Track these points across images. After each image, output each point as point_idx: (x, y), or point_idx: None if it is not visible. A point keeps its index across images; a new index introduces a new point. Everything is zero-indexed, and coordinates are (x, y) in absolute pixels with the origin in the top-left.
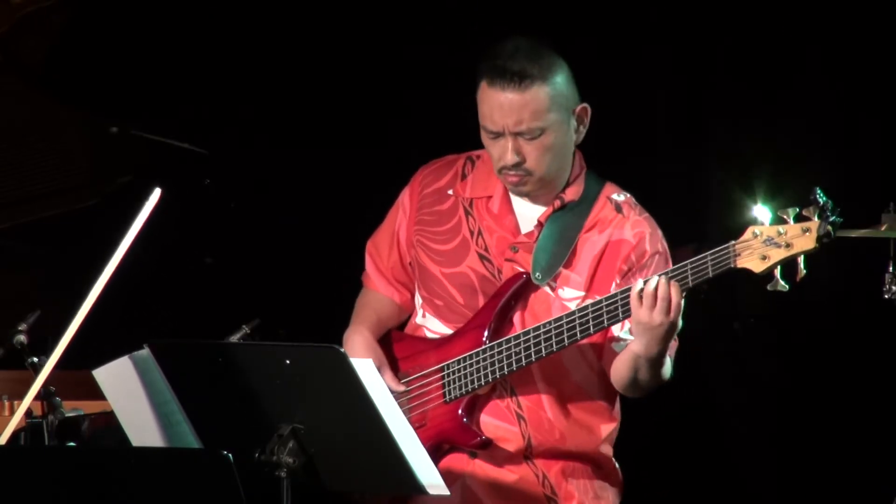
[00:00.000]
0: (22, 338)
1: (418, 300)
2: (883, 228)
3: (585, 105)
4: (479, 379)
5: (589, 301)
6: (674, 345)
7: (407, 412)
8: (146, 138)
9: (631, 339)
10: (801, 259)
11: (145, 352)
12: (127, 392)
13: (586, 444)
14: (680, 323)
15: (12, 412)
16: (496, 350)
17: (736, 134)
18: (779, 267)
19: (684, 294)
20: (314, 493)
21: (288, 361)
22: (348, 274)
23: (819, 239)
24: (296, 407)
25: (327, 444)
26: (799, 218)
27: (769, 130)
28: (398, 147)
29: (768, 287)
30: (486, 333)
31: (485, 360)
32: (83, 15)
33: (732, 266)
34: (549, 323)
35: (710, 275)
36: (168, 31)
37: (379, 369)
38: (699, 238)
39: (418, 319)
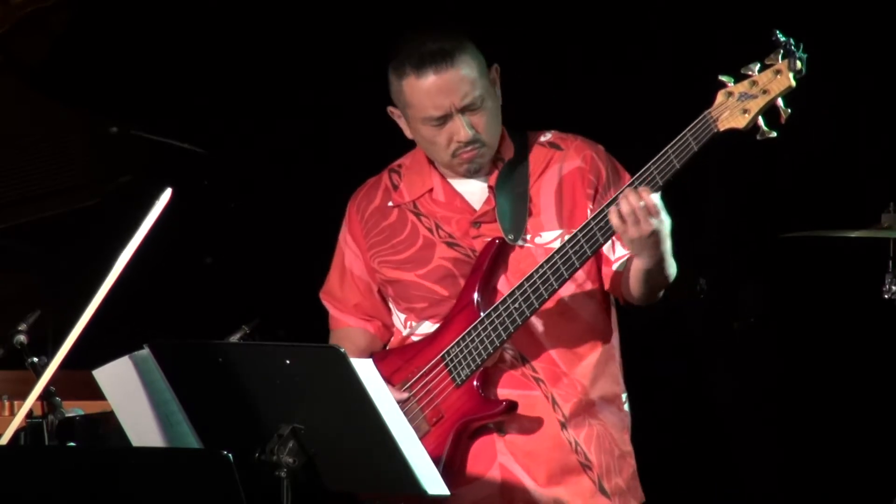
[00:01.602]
0: (22, 338)
1: (400, 318)
2: (883, 228)
3: (496, 65)
4: (484, 350)
5: (566, 236)
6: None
7: (419, 413)
8: (146, 138)
9: (627, 253)
10: (780, 101)
11: (145, 352)
12: (127, 392)
13: (607, 387)
14: (667, 220)
15: (12, 412)
16: (493, 317)
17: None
18: (761, 117)
19: (670, 179)
20: (315, 493)
21: (288, 361)
22: None
23: (793, 74)
24: (296, 407)
25: (327, 445)
26: (764, 67)
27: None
28: (398, 147)
29: (757, 137)
30: (476, 307)
31: (485, 329)
32: (83, 15)
33: (716, 131)
34: (535, 272)
35: (696, 149)
36: (168, 30)
37: None
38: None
39: (405, 332)
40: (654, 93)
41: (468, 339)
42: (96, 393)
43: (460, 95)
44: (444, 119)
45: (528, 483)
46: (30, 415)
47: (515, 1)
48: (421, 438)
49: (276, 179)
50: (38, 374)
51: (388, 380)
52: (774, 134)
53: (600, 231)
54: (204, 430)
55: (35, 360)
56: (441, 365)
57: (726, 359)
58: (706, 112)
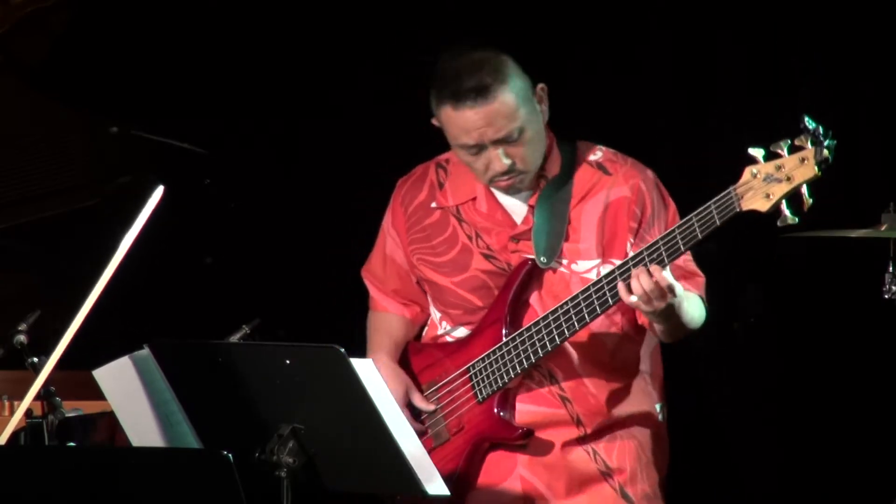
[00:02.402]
0: (22, 338)
1: (436, 314)
2: (883, 228)
3: (542, 85)
4: (507, 373)
5: (603, 269)
6: (699, 281)
7: (441, 420)
8: (146, 138)
9: None
10: (804, 189)
11: (145, 352)
12: (127, 392)
13: (638, 407)
14: (681, 290)
15: (12, 412)
16: (518, 341)
17: (736, 134)
18: (784, 201)
19: (693, 247)
20: (315, 493)
21: (288, 361)
22: (348, 274)
23: (818, 165)
24: (296, 407)
25: (327, 444)
26: (793, 149)
27: (769, 131)
28: (398, 147)
29: (778, 223)
30: (503, 327)
31: (509, 352)
32: (83, 15)
33: (738, 210)
34: (566, 303)
35: (718, 223)
36: (168, 30)
37: (408, 392)
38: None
39: (440, 331)
40: (655, 93)
41: (493, 358)
42: (96, 393)
43: (495, 129)
44: (479, 148)
45: (548, 493)
46: (30, 415)
47: (516, 1)
48: (440, 446)
49: (276, 179)
50: (38, 374)
51: (418, 374)
52: (796, 220)
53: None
54: (204, 430)
55: (35, 360)
56: (466, 377)
57: (726, 359)
58: (731, 188)
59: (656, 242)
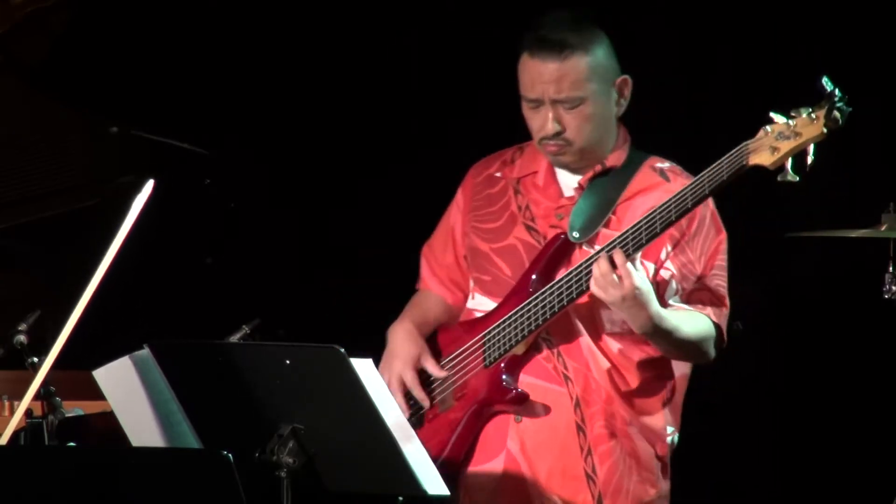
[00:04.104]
0: (22, 338)
1: (470, 284)
2: (883, 228)
3: (626, 77)
4: (514, 337)
5: (616, 237)
6: (721, 310)
7: (450, 386)
8: (146, 138)
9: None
10: (810, 148)
11: (145, 352)
12: (127, 392)
13: (635, 411)
14: (643, 286)
15: (12, 412)
16: (530, 304)
17: (735, 135)
18: (790, 158)
19: (700, 201)
20: (315, 493)
21: (288, 361)
22: (348, 274)
23: (826, 124)
24: (296, 407)
25: (327, 444)
26: (809, 113)
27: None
28: (398, 147)
29: (778, 178)
30: (527, 295)
31: (521, 316)
32: (83, 15)
33: (745, 164)
34: (577, 267)
35: (725, 177)
36: (168, 30)
37: (420, 357)
38: None
39: (469, 304)
40: (656, 93)
41: (507, 322)
42: (96, 393)
43: (555, 89)
44: (537, 104)
45: (528, 477)
46: (29, 415)
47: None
48: (444, 411)
49: (276, 179)
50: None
51: (440, 351)
52: (796, 179)
53: (647, 234)
54: (204, 430)
55: (35, 360)
56: (480, 343)
57: (726, 359)
58: (744, 143)
59: (639, 222)
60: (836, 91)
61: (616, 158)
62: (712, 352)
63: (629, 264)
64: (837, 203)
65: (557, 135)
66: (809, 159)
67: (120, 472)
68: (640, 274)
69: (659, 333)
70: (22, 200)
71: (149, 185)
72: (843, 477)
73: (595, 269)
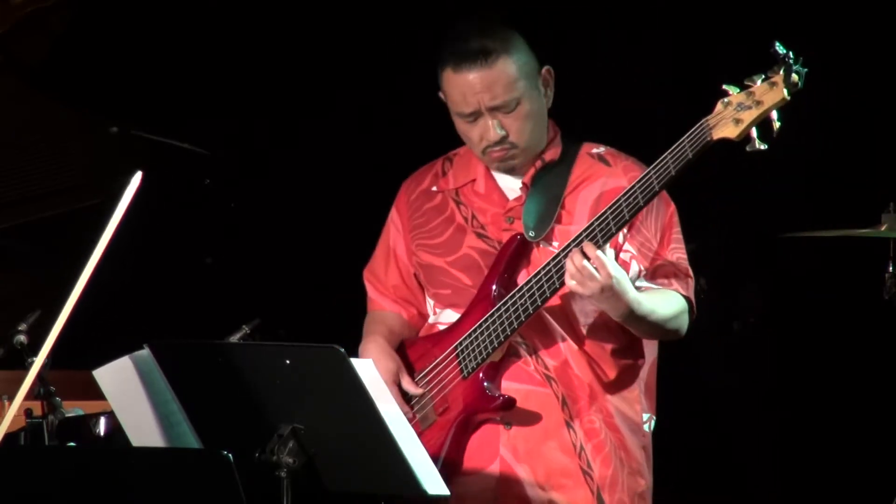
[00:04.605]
0: (22, 338)
1: (430, 303)
2: (883, 228)
3: (548, 67)
4: (490, 344)
5: (583, 230)
6: (687, 282)
7: (429, 402)
8: (146, 138)
9: (648, 285)
10: (774, 114)
11: (145, 352)
12: (127, 392)
13: (625, 402)
14: (619, 274)
15: None
16: (501, 311)
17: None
18: (755, 128)
19: (666, 185)
20: (315, 493)
21: (288, 361)
22: (348, 274)
23: (787, 88)
24: (296, 407)
25: (327, 444)
26: (766, 80)
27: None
28: (398, 148)
29: (747, 149)
30: (493, 300)
31: (493, 324)
32: (83, 15)
33: (709, 140)
34: (542, 269)
35: (690, 155)
36: (168, 30)
37: (398, 373)
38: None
39: (431, 319)
40: (652, 92)
41: (478, 332)
42: (96, 393)
43: (490, 96)
44: (475, 116)
45: (526, 480)
46: (29, 415)
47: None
48: (427, 429)
49: (276, 179)
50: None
51: (412, 366)
52: (765, 147)
53: (615, 222)
54: (204, 430)
55: (35, 360)
56: (453, 356)
57: (726, 359)
58: (704, 119)
59: (604, 212)
60: (790, 53)
61: (553, 153)
62: (685, 327)
63: (602, 255)
64: (837, 203)
65: (502, 140)
66: (776, 125)
67: (120, 472)
68: (613, 263)
69: (636, 318)
70: (22, 200)
71: (137, 178)
72: (843, 477)
73: (569, 264)
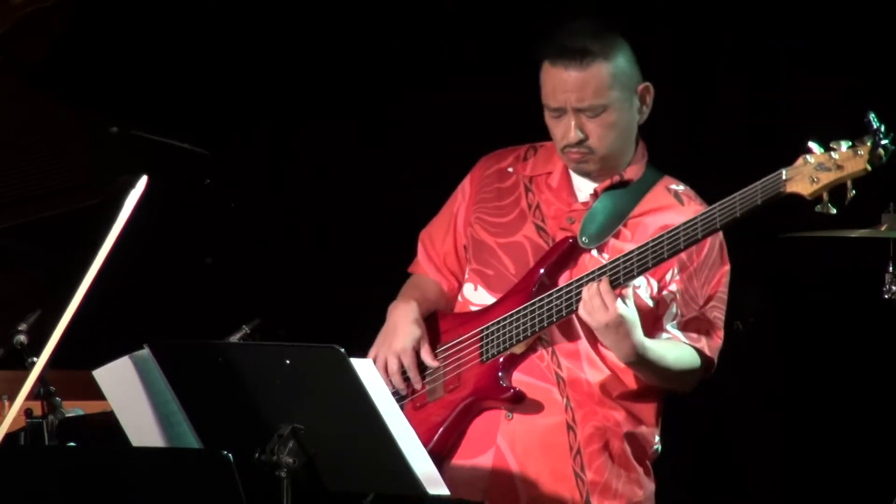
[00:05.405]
0: (22, 338)
1: (468, 275)
2: (883, 228)
3: (648, 84)
4: (516, 336)
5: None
6: (713, 342)
7: (441, 377)
8: (146, 138)
9: (674, 333)
10: (850, 182)
11: (145, 352)
12: (127, 392)
13: (630, 416)
14: (628, 315)
15: None
16: (535, 305)
17: (736, 133)
18: (828, 192)
19: (728, 225)
20: (315, 493)
21: (288, 361)
22: (348, 274)
23: (870, 160)
24: (296, 407)
25: (327, 444)
26: (851, 146)
27: (769, 130)
28: (398, 148)
29: (816, 209)
30: (527, 298)
31: (523, 317)
32: (83, 15)
33: (782, 191)
34: (588, 274)
35: (759, 202)
36: (168, 30)
37: (420, 340)
38: None
39: (466, 293)
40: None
41: (508, 321)
42: (96, 393)
43: (578, 97)
44: (560, 112)
45: (517, 473)
46: (29, 415)
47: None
48: (433, 402)
49: (276, 179)
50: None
51: (438, 338)
52: (834, 211)
53: (652, 256)
54: (204, 430)
55: (35, 360)
56: (477, 338)
57: (726, 359)
58: (782, 169)
59: (661, 236)
60: (883, 128)
61: (633, 172)
62: (692, 384)
63: (611, 291)
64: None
65: (580, 143)
66: (850, 194)
67: (120, 472)
68: (623, 304)
69: (642, 363)
70: (22, 200)
71: (142, 182)
72: (843, 477)
73: (584, 291)
